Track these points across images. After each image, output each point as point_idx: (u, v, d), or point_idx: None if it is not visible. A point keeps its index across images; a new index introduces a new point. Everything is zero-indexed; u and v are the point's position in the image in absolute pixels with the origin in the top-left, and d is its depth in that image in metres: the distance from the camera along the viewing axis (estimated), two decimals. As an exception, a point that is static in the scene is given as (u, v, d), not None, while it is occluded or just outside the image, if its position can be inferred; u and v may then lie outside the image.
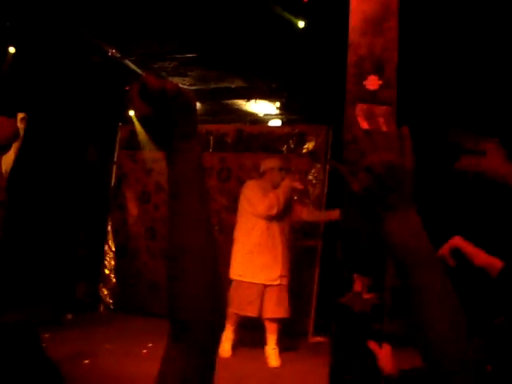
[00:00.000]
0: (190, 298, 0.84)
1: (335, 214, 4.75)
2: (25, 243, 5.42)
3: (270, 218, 4.64)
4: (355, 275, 2.54)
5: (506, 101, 4.50)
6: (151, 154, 6.06)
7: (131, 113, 5.89)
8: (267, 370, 4.46)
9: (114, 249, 6.44)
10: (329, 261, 4.94)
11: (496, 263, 1.75)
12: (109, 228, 6.47)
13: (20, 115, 3.59)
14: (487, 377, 0.79)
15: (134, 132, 6.20)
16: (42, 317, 4.92)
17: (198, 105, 6.09)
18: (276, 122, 7.03)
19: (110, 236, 6.46)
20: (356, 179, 0.90)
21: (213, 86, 6.25)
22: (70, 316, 5.73)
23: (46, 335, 4.31)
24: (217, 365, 0.86)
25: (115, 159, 6.57)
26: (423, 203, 1.09)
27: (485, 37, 4.08)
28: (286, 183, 4.72)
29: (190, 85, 6.26)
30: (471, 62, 4.48)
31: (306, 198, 5.69)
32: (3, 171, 3.64)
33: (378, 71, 2.54)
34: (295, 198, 5.39)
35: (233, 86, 6.24)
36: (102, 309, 6.33)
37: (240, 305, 4.57)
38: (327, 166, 5.69)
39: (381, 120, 0.92)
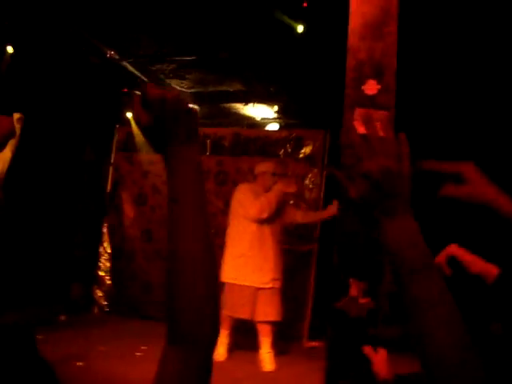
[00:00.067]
0: (187, 301, 0.84)
1: (331, 209, 4.73)
2: (20, 243, 5.39)
3: (262, 222, 4.63)
4: (351, 280, 2.54)
5: (505, 104, 4.52)
6: (148, 156, 6.05)
7: (128, 115, 5.89)
8: (262, 374, 4.44)
9: (109, 250, 6.42)
10: (325, 265, 4.93)
11: (492, 270, 1.75)
12: (104, 230, 6.46)
13: (16, 115, 3.58)
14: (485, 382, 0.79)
15: (130, 134, 6.18)
16: (40, 318, 4.89)
17: (196, 108, 6.08)
18: (273, 126, 7.03)
19: (106, 238, 6.45)
20: (353, 185, 0.90)
21: (211, 89, 6.26)
22: (63, 317, 5.70)
23: (40, 336, 4.29)
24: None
25: (112, 161, 6.56)
26: (420, 209, 1.08)
27: (485, 40, 4.10)
28: (278, 187, 4.71)
29: (189, 87, 6.26)
30: (471, 66, 4.49)
31: (302, 202, 5.69)
32: (-1, 171, 3.62)
33: (377, 76, 2.54)
34: (291, 202, 5.38)
35: (231, 90, 6.24)
36: (96, 310, 6.31)
37: (233, 307, 4.55)
38: (324, 171, 5.70)
39: (378, 125, 0.91)
